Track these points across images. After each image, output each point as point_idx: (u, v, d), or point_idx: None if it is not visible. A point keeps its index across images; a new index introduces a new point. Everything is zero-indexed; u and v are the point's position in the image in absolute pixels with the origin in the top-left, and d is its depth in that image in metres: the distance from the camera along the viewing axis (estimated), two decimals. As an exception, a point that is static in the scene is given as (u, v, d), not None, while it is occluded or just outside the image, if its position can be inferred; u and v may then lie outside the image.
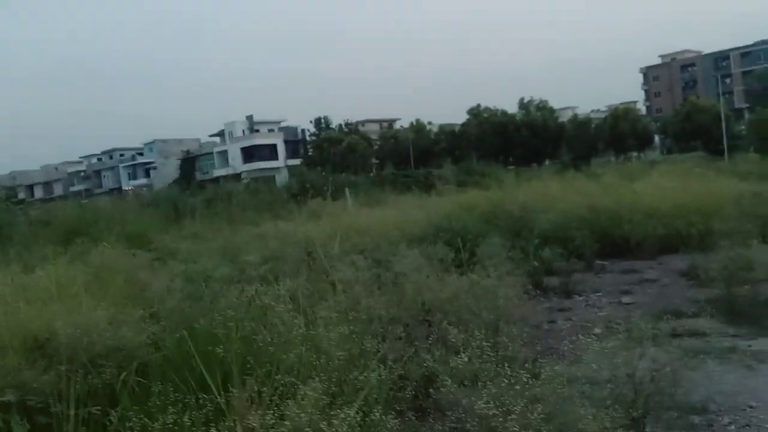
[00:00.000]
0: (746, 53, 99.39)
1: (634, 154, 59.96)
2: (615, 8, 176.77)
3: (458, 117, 68.29)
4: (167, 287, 6.46)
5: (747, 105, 76.47)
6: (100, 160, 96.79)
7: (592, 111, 78.60)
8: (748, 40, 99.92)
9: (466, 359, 4.09)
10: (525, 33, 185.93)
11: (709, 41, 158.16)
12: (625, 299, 8.73)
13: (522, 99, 63.26)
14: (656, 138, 68.31)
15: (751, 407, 4.84)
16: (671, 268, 10.64)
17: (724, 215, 11.56)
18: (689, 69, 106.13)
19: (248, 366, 4.04)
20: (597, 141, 59.22)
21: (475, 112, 64.50)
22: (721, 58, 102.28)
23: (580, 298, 9.17)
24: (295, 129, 77.57)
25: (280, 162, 69.28)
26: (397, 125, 78.52)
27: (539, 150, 59.03)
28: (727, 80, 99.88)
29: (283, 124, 77.80)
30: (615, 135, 57.80)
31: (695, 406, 4.82)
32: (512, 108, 64.00)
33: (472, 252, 10.01)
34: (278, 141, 73.64)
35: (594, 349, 5.39)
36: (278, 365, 3.97)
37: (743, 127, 55.26)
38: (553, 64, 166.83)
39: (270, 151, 71.43)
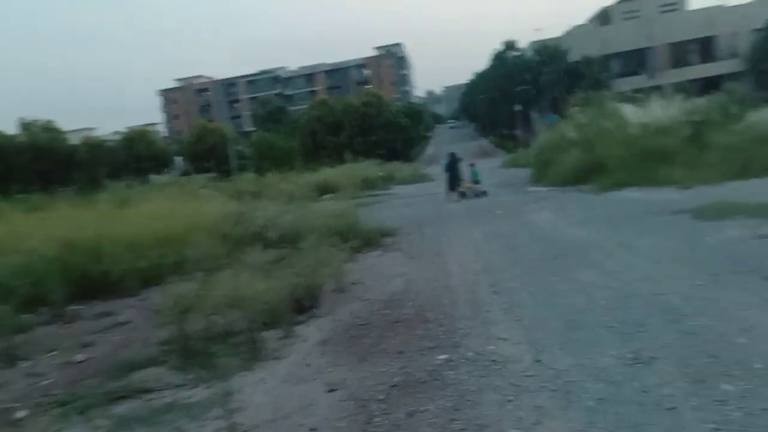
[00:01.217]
0: (252, 81, 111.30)
1: (155, 176, 59.49)
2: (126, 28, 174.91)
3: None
4: None
5: (254, 128, 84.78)
6: None
7: (115, 133, 75.28)
8: (255, 69, 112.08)
9: None
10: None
11: (227, 67, 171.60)
12: (80, 356, 7.37)
13: (23, 120, 55.59)
14: (180, 159, 69.55)
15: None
16: (150, 305, 9.75)
17: (202, 240, 11.40)
18: (204, 93, 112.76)
19: None
20: (114, 164, 56.70)
21: (-42, 134, 53.77)
22: (230, 84, 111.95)
23: (28, 364, 7.40)
24: None
25: None
26: None
27: (48, 175, 52.94)
28: (236, 105, 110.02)
29: None
30: (133, 157, 56.32)
31: None
32: (11, 130, 55.71)
33: None
34: None
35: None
36: None
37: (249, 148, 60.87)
38: (73, 85, 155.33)
39: None
